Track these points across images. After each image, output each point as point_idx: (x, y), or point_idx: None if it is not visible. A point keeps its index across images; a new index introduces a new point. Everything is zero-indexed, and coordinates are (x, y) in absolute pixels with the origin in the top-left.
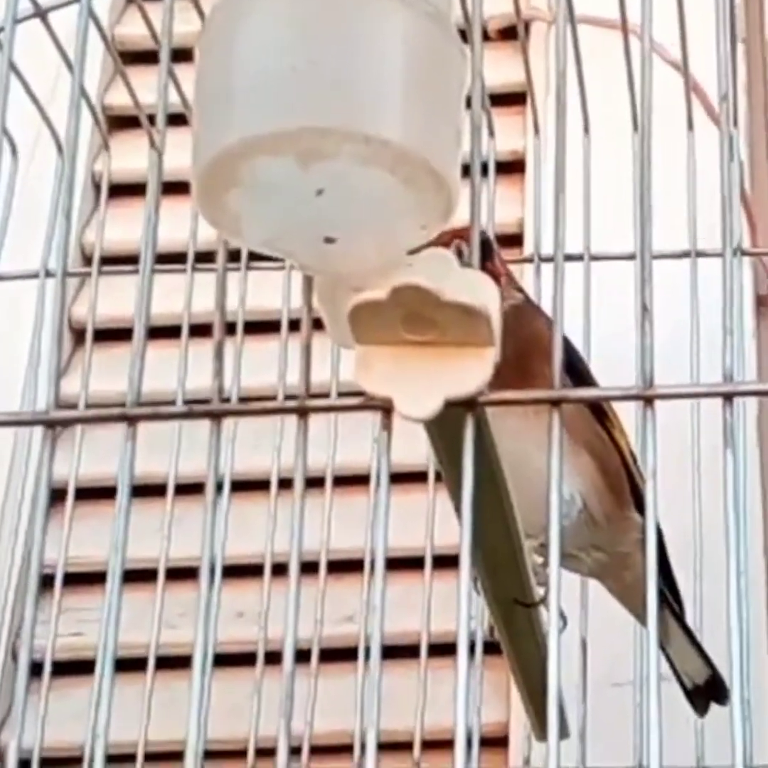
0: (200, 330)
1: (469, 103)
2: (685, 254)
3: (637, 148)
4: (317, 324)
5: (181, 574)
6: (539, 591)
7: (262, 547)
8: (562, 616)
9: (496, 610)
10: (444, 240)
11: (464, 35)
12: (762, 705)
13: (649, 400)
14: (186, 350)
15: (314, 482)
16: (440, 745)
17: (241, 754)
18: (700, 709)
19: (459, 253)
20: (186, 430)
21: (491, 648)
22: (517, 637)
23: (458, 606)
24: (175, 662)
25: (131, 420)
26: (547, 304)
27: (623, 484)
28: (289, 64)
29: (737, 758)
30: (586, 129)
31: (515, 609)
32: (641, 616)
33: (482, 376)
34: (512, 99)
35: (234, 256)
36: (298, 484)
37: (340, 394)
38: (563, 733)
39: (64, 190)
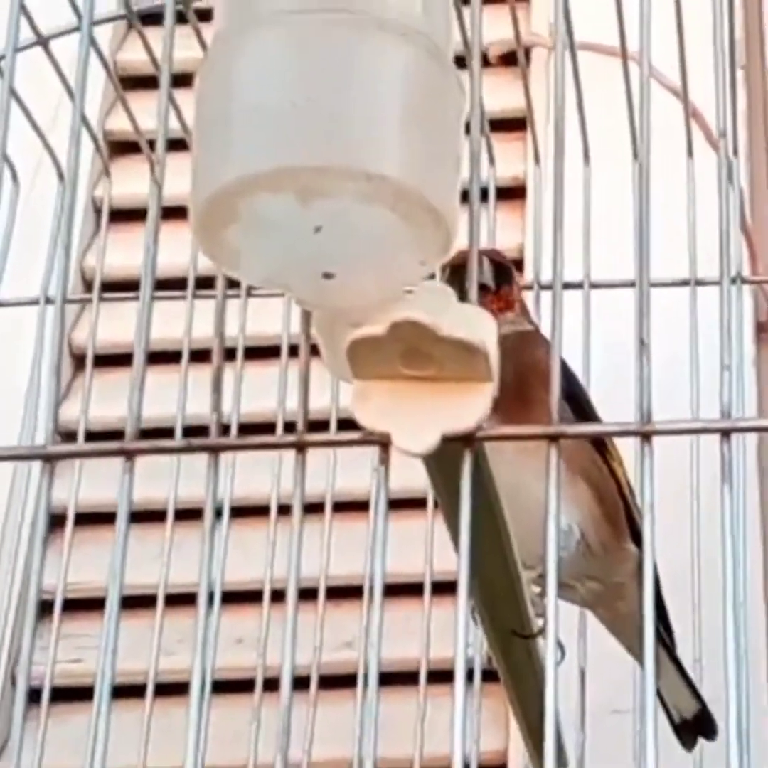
0: (200, 355)
1: (468, 130)
2: (685, 283)
3: (636, 176)
4: (316, 351)
5: (180, 600)
6: (537, 622)
7: (261, 574)
8: (561, 647)
9: (493, 641)
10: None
11: (464, 62)
12: (761, 735)
13: (646, 436)
14: (186, 378)
15: (313, 508)
16: None
17: None
18: (688, 743)
19: (455, 270)
20: (186, 455)
21: (490, 676)
22: (515, 667)
23: (455, 637)
24: (173, 689)
25: (129, 454)
26: (546, 331)
27: (620, 515)
28: (288, 101)
29: None
30: (587, 156)
31: (513, 640)
32: (633, 648)
33: (480, 411)
34: (513, 125)
35: (234, 281)
36: (297, 515)
37: (340, 425)
38: (561, 761)
39: (64, 221)
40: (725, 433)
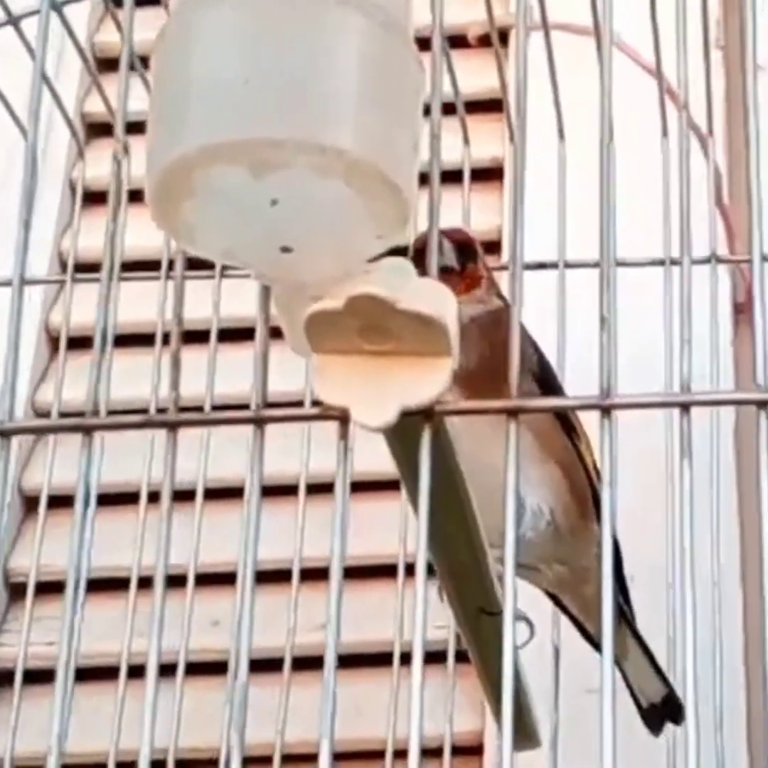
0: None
1: (449, 111)
2: (660, 262)
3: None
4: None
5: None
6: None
7: (235, 556)
8: (530, 625)
9: (462, 619)
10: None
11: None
12: (737, 713)
13: (606, 410)
14: (159, 359)
15: (290, 490)
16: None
17: (214, 762)
18: (655, 727)
19: (420, 252)
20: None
21: (465, 656)
22: (484, 645)
23: (414, 615)
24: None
25: (87, 430)
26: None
27: (588, 498)
28: (243, 74)
29: None
30: (562, 135)
31: (481, 618)
32: (599, 633)
33: (439, 385)
34: (492, 106)
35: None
36: (255, 494)
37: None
38: (534, 742)
39: (23, 198)
40: (684, 407)
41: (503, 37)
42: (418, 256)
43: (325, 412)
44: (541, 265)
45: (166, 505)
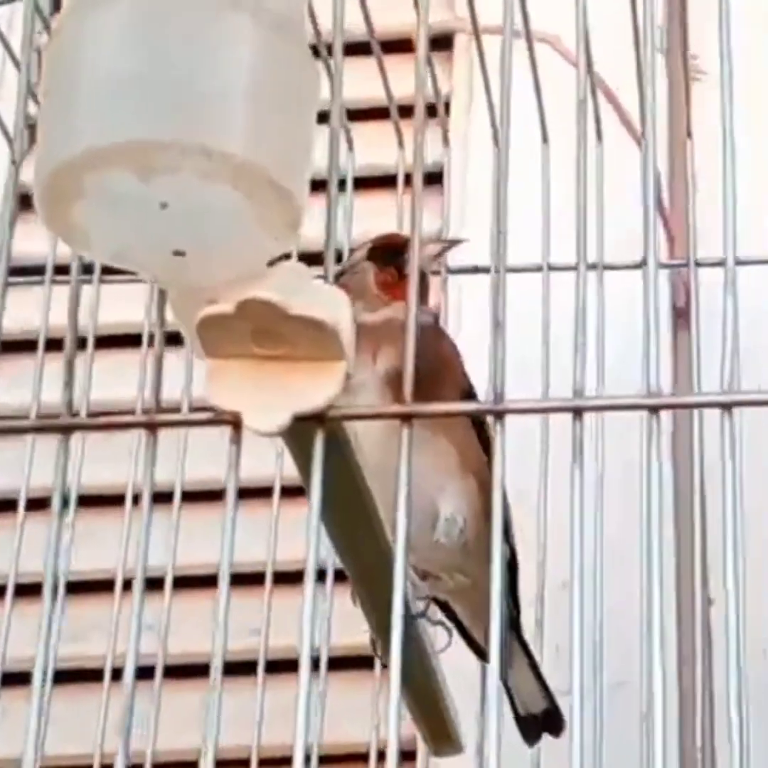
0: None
1: (386, 115)
2: (592, 267)
3: (499, 161)
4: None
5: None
6: (418, 605)
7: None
8: (449, 631)
9: (376, 624)
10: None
11: (368, 47)
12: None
13: (499, 415)
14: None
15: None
16: (336, 760)
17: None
18: (530, 738)
19: (392, 253)
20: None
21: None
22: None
23: (300, 624)
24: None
25: None
26: (453, 316)
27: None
28: (130, 78)
29: None
30: (496, 140)
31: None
32: (486, 640)
33: (332, 390)
34: (435, 110)
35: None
36: (146, 498)
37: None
38: (457, 747)
39: None
40: (577, 412)
41: (448, 41)
42: (376, 252)
43: (217, 417)
44: (479, 270)
45: (56, 509)
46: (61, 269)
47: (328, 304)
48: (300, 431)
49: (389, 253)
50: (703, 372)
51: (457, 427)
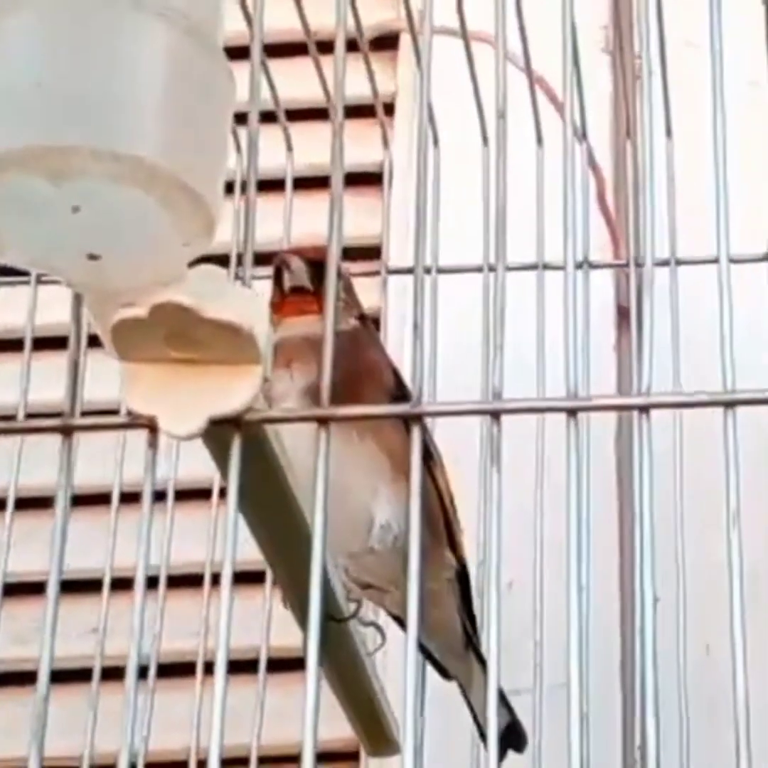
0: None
1: (324, 116)
2: (532, 267)
3: (419, 163)
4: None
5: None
6: (350, 606)
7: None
8: (381, 631)
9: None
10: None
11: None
12: (613, 719)
13: (417, 418)
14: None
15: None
16: (273, 760)
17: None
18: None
19: (278, 272)
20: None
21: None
22: (332, 651)
23: (217, 626)
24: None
25: None
26: (393, 317)
27: (438, 522)
28: (36, 81)
29: None
30: (436, 141)
31: (328, 625)
32: (443, 656)
33: (248, 393)
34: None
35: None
36: (61, 502)
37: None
38: (392, 748)
39: None
40: (494, 415)
41: (394, 41)
42: (276, 275)
43: (133, 421)
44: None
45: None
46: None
47: (244, 307)
48: (217, 435)
49: (276, 274)
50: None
51: (388, 431)
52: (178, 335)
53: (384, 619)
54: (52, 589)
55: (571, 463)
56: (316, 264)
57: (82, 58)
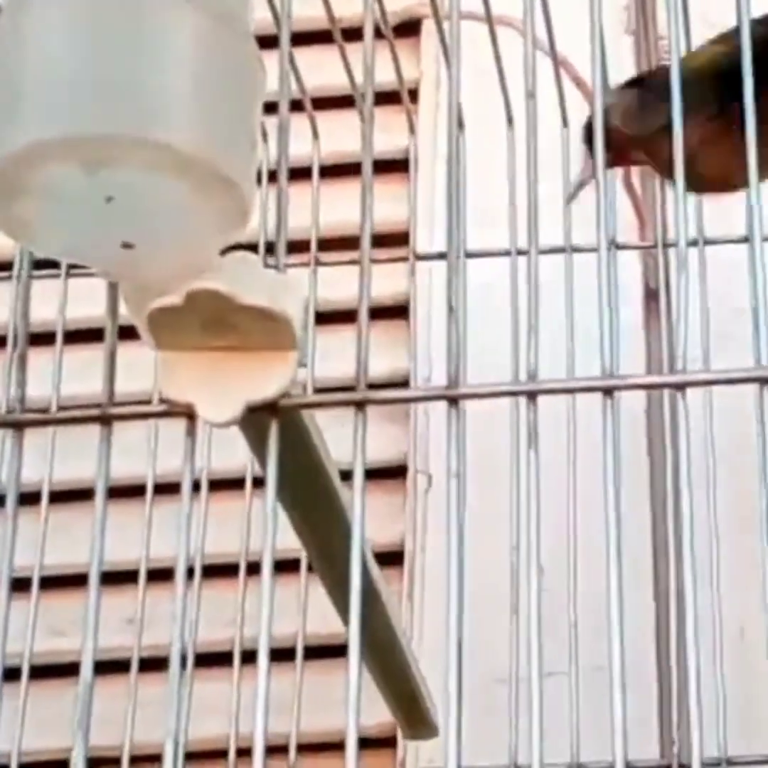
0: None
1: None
2: (561, 250)
3: (449, 145)
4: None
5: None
6: None
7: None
8: None
9: (343, 610)
10: None
11: (331, 37)
12: (649, 699)
13: (454, 400)
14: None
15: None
16: (315, 748)
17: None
18: None
19: None
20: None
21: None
22: (369, 633)
23: (260, 611)
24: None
25: None
26: (423, 301)
27: None
28: (73, 70)
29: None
30: (461, 126)
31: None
32: None
33: (285, 379)
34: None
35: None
36: (101, 490)
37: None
38: (432, 731)
39: None
40: (531, 396)
41: (416, 27)
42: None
43: (171, 409)
44: (442, 256)
45: (10, 508)
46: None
47: (279, 293)
48: (254, 421)
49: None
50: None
51: None
52: (213, 322)
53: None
54: (93, 579)
55: (608, 442)
56: None
57: (114, 47)
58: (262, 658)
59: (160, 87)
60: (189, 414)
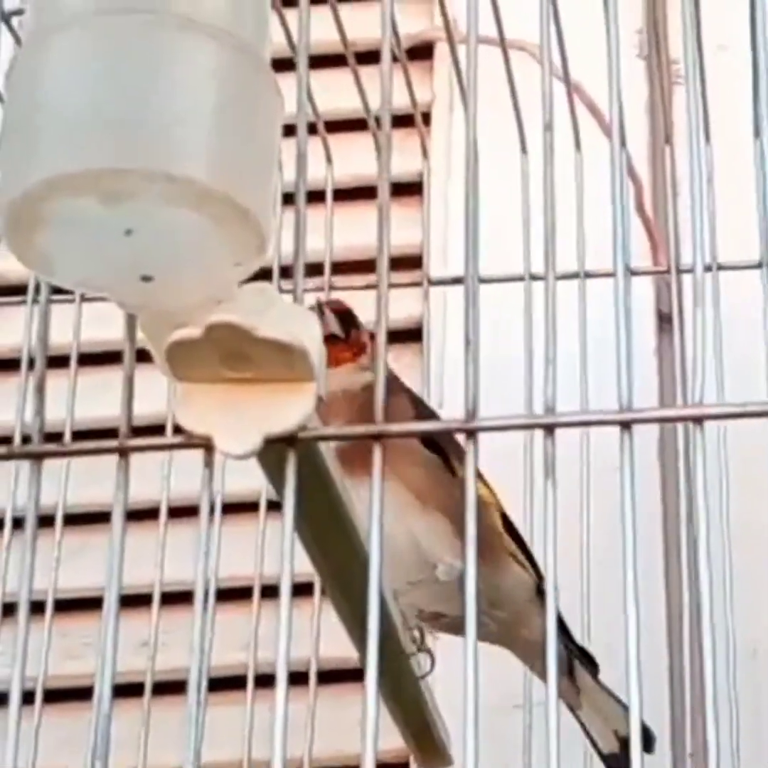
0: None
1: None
2: (574, 275)
3: (467, 171)
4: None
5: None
6: (411, 646)
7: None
8: (432, 659)
9: (358, 640)
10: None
11: (344, 60)
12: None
13: (471, 433)
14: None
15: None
16: None
17: None
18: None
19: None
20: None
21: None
22: (383, 662)
23: (276, 641)
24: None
25: None
26: (437, 327)
27: (498, 538)
28: (91, 103)
29: None
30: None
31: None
32: (542, 674)
33: (302, 411)
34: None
35: None
36: (118, 520)
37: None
38: (445, 760)
39: None
40: (548, 429)
41: (429, 50)
42: None
43: (188, 441)
44: (456, 281)
45: (30, 534)
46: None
47: (297, 325)
48: (272, 453)
49: None
50: (690, 378)
51: (409, 469)
52: (231, 354)
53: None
54: (112, 604)
55: (626, 476)
56: (340, 313)
57: (131, 80)
58: (281, 683)
59: (177, 120)
60: (207, 445)
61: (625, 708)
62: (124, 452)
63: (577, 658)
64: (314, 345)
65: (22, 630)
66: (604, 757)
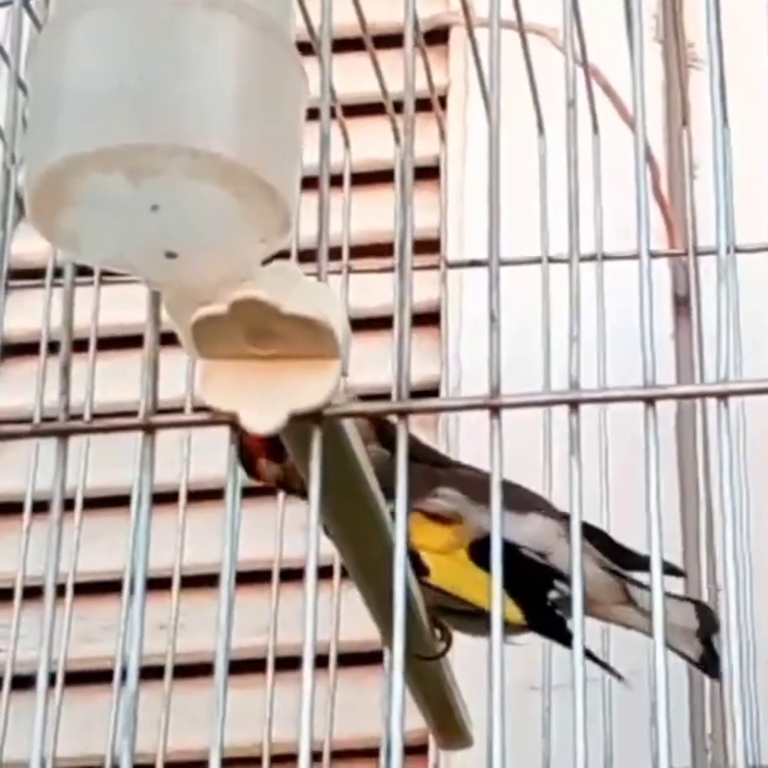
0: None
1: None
2: (591, 257)
3: (490, 153)
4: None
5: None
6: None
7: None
8: (449, 641)
9: (381, 621)
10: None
11: (362, 43)
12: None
13: (495, 409)
14: (44, 367)
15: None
16: (348, 755)
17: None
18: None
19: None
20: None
21: None
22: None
23: (304, 622)
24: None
25: None
26: (453, 309)
27: None
28: (116, 80)
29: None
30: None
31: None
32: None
33: (327, 388)
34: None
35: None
36: (145, 499)
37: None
38: (466, 741)
39: None
40: (572, 404)
41: (444, 34)
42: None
43: (214, 418)
44: (475, 263)
45: (56, 515)
46: (62, 272)
47: (321, 302)
48: (297, 429)
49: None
50: (706, 360)
51: None
52: (257, 331)
53: None
54: (139, 585)
55: (651, 453)
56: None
57: (156, 56)
58: (307, 667)
59: (202, 95)
60: (232, 422)
61: (691, 601)
62: (149, 429)
63: (631, 582)
64: (339, 322)
65: (48, 613)
66: (697, 665)
